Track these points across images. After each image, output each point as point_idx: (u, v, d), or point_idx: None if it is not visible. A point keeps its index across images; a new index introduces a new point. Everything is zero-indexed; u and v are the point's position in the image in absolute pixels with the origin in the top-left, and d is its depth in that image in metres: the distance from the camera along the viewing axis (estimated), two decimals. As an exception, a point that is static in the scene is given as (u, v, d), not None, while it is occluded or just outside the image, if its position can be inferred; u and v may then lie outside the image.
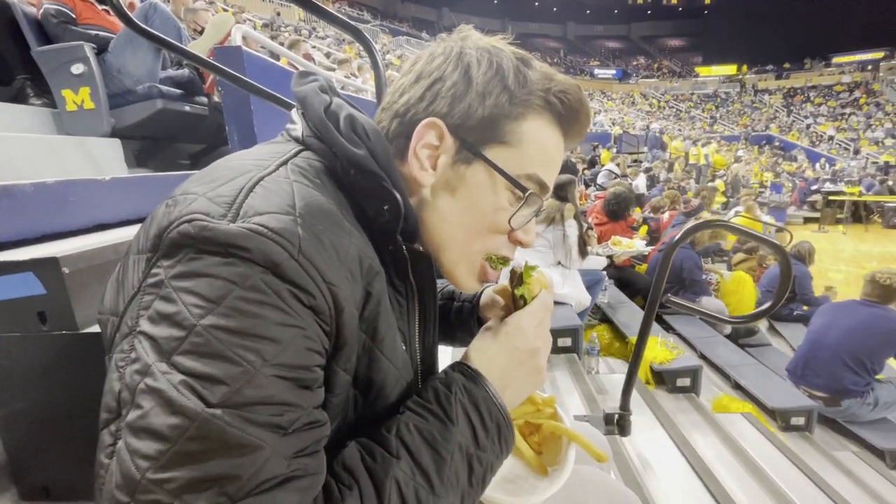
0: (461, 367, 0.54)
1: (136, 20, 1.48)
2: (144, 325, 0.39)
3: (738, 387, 3.07)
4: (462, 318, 0.81)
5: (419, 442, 0.47)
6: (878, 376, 2.86)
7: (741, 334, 3.85)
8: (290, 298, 0.39)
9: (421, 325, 0.59)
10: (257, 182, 0.42)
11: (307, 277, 0.39)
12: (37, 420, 1.01)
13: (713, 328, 3.81)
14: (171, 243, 0.39)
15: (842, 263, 8.89)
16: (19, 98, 2.26)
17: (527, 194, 0.53)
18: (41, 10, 2.18)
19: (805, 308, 4.46)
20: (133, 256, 0.44)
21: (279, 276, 0.38)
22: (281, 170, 0.45)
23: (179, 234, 0.39)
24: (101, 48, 2.23)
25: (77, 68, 2.12)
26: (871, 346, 2.82)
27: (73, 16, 2.23)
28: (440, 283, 0.90)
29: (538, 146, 0.54)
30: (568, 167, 4.57)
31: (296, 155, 0.49)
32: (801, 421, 2.70)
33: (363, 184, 0.49)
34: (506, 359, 0.55)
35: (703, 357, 3.39)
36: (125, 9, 1.44)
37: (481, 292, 0.82)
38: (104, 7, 2.40)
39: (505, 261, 0.58)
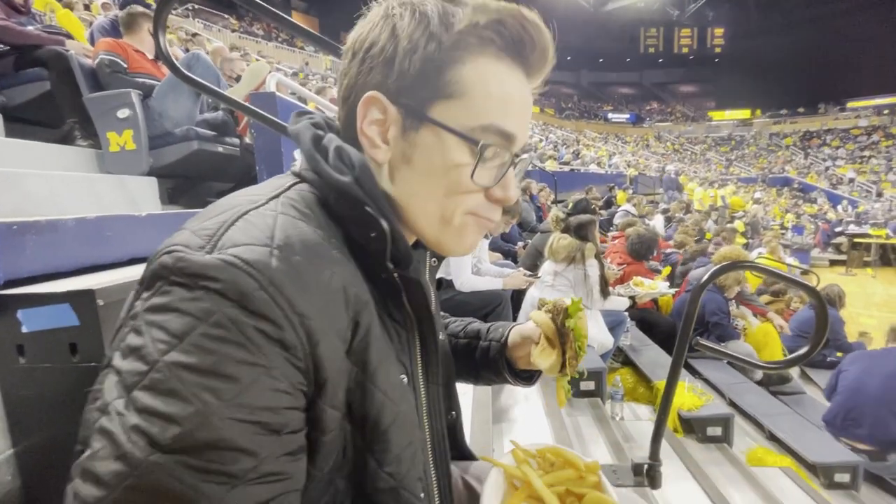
0: None
1: (182, 69, 1.59)
2: (115, 359, 0.39)
3: (773, 438, 2.90)
4: (489, 358, 0.79)
5: None
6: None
7: (774, 382, 3.67)
8: (256, 335, 0.38)
9: (423, 356, 0.56)
10: (241, 215, 0.43)
11: (276, 308, 0.38)
12: (56, 452, 1.00)
13: (742, 374, 3.65)
14: (151, 274, 0.40)
15: (874, 308, 8.55)
16: (67, 139, 2.41)
17: (479, 146, 0.49)
18: (96, 60, 2.37)
19: (839, 355, 4.26)
20: (132, 292, 0.45)
21: (246, 308, 0.37)
22: (271, 203, 0.46)
23: (159, 265, 0.40)
24: (146, 94, 2.39)
25: (123, 112, 2.26)
26: None
27: (125, 66, 2.41)
28: (463, 321, 0.89)
29: (488, 92, 0.49)
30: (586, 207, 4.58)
31: (290, 187, 0.49)
32: (845, 478, 2.51)
33: (349, 212, 0.48)
34: None
35: (732, 404, 3.23)
36: (173, 59, 1.55)
37: (510, 330, 0.80)
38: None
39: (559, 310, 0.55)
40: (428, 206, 0.52)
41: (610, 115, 44.10)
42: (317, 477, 0.45)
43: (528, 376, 0.81)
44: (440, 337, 0.69)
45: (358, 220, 0.48)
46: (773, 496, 2.04)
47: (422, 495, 0.53)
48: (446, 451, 0.60)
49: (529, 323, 0.74)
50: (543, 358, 0.66)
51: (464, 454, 0.80)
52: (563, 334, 0.57)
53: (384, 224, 0.47)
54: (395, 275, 0.49)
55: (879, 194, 20.94)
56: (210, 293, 0.37)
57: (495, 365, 0.78)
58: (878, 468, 2.71)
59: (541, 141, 16.96)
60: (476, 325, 0.86)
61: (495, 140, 0.50)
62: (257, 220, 0.43)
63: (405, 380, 0.52)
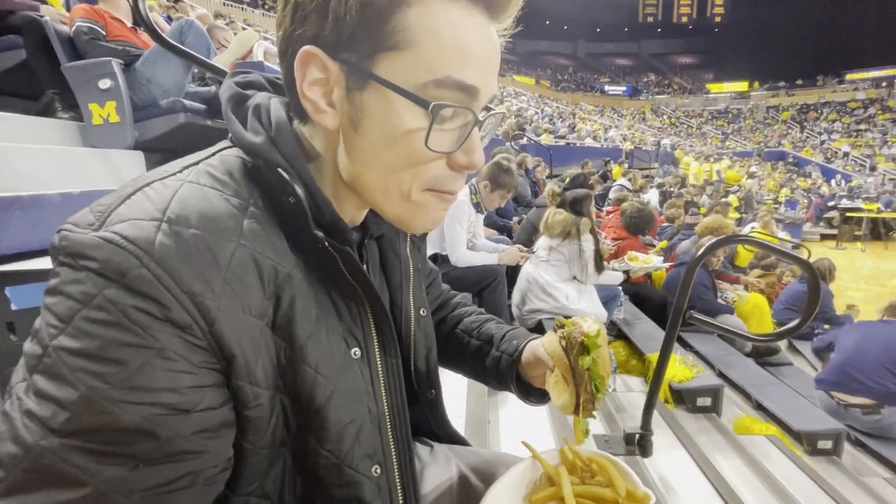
0: None
1: (166, 37, 1.52)
2: (26, 342, 0.38)
3: (760, 407, 2.98)
4: (500, 371, 0.73)
5: None
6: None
7: (762, 353, 3.75)
8: (141, 316, 0.36)
9: (377, 331, 0.52)
10: (140, 188, 0.40)
11: (160, 288, 0.36)
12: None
13: (732, 346, 3.72)
14: (50, 255, 0.39)
15: (862, 281, 8.70)
16: (47, 112, 2.33)
17: (430, 108, 0.42)
18: (73, 28, 2.26)
19: (826, 327, 4.34)
20: None
21: (127, 288, 0.35)
22: (183, 172, 0.43)
23: (50, 245, 0.38)
24: (129, 63, 2.29)
25: (104, 83, 2.18)
26: None
27: (104, 33, 2.31)
28: (479, 318, 0.82)
29: (440, 39, 0.41)
30: (584, 182, 4.54)
31: (215, 154, 0.46)
32: (828, 444, 2.60)
33: (267, 175, 0.44)
34: None
35: (722, 376, 3.30)
36: (156, 26, 1.48)
37: (524, 346, 0.71)
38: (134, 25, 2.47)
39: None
40: (382, 180, 0.46)
41: (606, 88, 43.39)
42: (251, 451, 0.44)
43: (541, 394, 0.73)
44: (422, 312, 0.67)
45: (274, 184, 0.44)
46: (758, 462, 2.11)
47: (376, 472, 0.51)
48: (407, 428, 0.58)
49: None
50: (557, 393, 0.59)
51: (450, 436, 0.76)
52: (577, 374, 0.51)
53: (298, 189, 0.43)
54: (327, 244, 0.45)
55: (873, 168, 21.00)
56: (90, 274, 0.36)
57: (504, 379, 0.73)
58: (867, 424, 2.81)
59: (536, 114, 16.69)
60: (491, 327, 0.79)
61: (453, 96, 0.43)
62: (154, 193, 0.40)
63: (357, 353, 0.50)
